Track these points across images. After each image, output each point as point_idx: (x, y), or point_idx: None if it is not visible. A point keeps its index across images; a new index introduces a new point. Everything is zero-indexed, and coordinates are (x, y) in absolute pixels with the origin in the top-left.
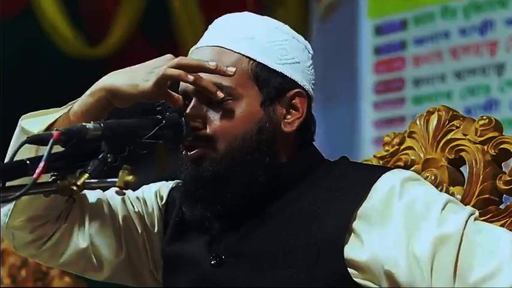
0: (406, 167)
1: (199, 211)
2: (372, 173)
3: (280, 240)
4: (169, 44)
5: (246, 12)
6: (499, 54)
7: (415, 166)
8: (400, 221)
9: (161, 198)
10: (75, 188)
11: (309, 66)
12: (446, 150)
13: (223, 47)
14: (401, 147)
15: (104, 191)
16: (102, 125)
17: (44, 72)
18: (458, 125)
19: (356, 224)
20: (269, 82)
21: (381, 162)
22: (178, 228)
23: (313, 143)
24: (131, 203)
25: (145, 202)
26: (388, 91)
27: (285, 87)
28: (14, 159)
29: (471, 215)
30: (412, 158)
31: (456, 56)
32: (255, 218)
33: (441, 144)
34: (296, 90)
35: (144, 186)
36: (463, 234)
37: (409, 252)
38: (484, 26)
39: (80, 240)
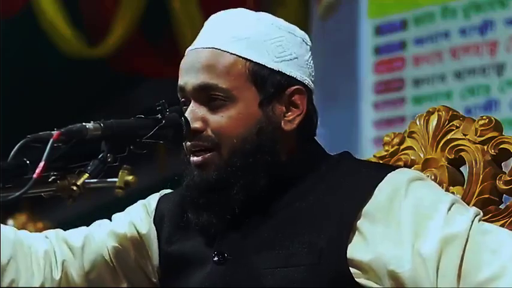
0: (406, 167)
1: (205, 218)
2: (376, 172)
3: (283, 239)
4: (169, 44)
5: (240, 9)
6: (499, 54)
7: (415, 166)
8: (406, 220)
9: (150, 211)
10: (75, 188)
11: (308, 60)
12: (446, 150)
13: (219, 49)
14: (401, 147)
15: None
16: (102, 125)
17: (44, 72)
18: (458, 125)
19: (360, 223)
20: (267, 81)
21: (381, 162)
22: (177, 229)
23: (315, 137)
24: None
25: (131, 222)
26: (388, 91)
27: (284, 84)
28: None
29: (476, 215)
30: (412, 158)
31: (456, 56)
32: (258, 216)
33: (441, 144)
34: (295, 87)
35: (129, 207)
36: (468, 235)
37: (415, 252)
38: (484, 26)
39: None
